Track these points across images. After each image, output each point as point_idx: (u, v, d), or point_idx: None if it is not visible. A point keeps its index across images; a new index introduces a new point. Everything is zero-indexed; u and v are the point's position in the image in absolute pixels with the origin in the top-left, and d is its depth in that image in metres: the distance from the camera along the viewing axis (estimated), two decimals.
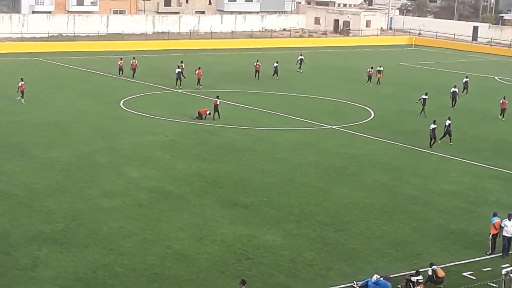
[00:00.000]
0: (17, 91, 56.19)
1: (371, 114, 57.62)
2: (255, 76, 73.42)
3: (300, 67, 79.79)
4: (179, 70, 66.44)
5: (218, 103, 53.32)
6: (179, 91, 64.83)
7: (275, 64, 74.64)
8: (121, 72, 71.62)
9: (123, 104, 57.41)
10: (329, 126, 52.47)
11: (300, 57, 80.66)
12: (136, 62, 71.93)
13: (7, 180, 36.62)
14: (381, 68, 74.38)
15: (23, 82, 56.61)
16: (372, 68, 74.43)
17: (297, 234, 31.10)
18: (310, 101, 63.41)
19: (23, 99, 55.95)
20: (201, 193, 35.89)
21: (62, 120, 50.86)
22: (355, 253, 29.28)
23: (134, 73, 71.22)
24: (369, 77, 73.79)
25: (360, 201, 35.79)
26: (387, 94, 68.42)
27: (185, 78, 67.53)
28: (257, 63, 74.72)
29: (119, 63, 71.99)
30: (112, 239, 29.59)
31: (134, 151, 43.23)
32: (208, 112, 52.68)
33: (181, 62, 70.41)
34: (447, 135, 48.00)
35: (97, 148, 43.62)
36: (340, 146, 46.66)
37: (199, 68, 67.83)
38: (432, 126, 46.79)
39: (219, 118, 52.80)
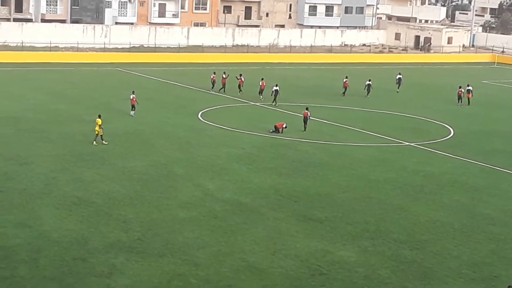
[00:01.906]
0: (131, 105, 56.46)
1: (450, 132, 56.78)
2: (343, 94, 72.12)
3: (398, 87, 76.93)
4: (277, 88, 64.51)
5: (308, 115, 53.78)
6: (257, 104, 65.06)
7: (368, 82, 72.94)
8: (213, 86, 71.18)
9: (201, 116, 57.90)
10: (407, 143, 51.89)
11: (398, 76, 77.81)
12: (225, 77, 70.77)
13: (86, 187, 37.27)
14: (471, 88, 71.44)
15: (134, 95, 56.44)
16: (461, 87, 71.08)
17: (372, 251, 30.77)
18: (389, 117, 62.86)
19: (132, 112, 56.09)
20: (276, 207, 35.86)
21: (141, 130, 51.53)
22: (431, 273, 28.80)
23: (223, 87, 70.28)
24: (459, 98, 70.37)
25: (437, 220, 35.22)
26: (467, 112, 67.33)
27: (241, 91, 68.67)
28: (346, 79, 72.97)
29: (211, 77, 71.75)
30: (187, 249, 29.77)
31: (211, 163, 43.50)
32: (284, 126, 52.73)
33: (240, 75, 70.57)
34: None
35: (174, 159, 44.04)
36: (418, 164, 46.07)
37: (262, 79, 68.38)
38: None
39: (305, 130, 53.41)
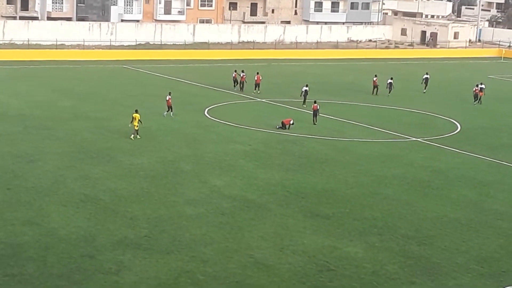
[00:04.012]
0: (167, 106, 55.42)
1: (457, 127, 56.65)
2: (373, 93, 70.75)
3: (425, 87, 74.72)
4: (306, 88, 63.07)
5: (318, 108, 54.75)
6: (263, 100, 65.06)
7: (389, 80, 71.32)
8: (235, 84, 70.45)
9: (207, 113, 57.88)
10: (414, 139, 51.80)
11: (425, 75, 75.58)
12: (245, 76, 69.79)
13: (93, 185, 37.29)
14: (483, 86, 70.19)
15: (170, 97, 55.49)
16: (477, 86, 69.60)
17: (379, 247, 30.72)
18: (396, 113, 62.75)
19: (172, 113, 55.13)
20: (283, 203, 35.82)
21: (148, 127, 51.45)
22: (439, 268, 28.73)
23: (242, 86, 69.45)
24: (476, 96, 68.89)
25: (445, 215, 35.14)
26: (474, 107, 67.16)
27: (241, 89, 68.69)
28: (375, 78, 71.68)
29: (233, 75, 71.12)
30: (194, 246, 29.76)
31: (218, 159, 43.48)
32: (291, 122, 52.69)
33: (242, 71, 70.28)
34: None
35: (181, 156, 44.04)
36: (425, 159, 45.97)
37: (258, 73, 69.05)
38: None
39: (315, 123, 54.29)
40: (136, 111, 47.73)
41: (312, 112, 55.28)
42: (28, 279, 26.01)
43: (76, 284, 25.84)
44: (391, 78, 71.94)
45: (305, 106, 61.66)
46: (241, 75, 69.87)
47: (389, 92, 70.89)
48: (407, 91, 75.07)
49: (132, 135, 47.46)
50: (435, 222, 34.05)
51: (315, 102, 55.74)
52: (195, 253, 28.97)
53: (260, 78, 68.87)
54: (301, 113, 58.28)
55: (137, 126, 47.36)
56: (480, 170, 44.18)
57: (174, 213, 33.58)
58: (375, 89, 71.21)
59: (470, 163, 45.82)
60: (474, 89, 69.94)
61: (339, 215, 34.38)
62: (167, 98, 55.54)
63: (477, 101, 68.72)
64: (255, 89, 68.23)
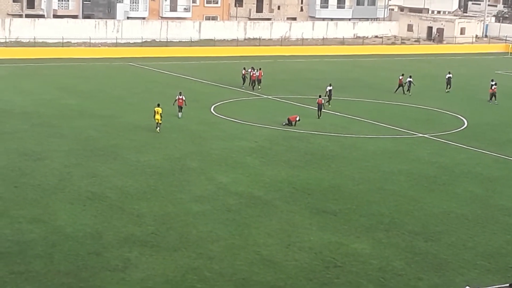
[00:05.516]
0: (173, 104, 53.86)
1: (464, 123, 56.53)
2: (398, 92, 69.86)
3: (449, 87, 73.10)
4: (330, 88, 61.65)
5: (323, 102, 55.50)
6: (269, 97, 65.03)
7: (408, 79, 70.08)
8: (244, 81, 70.06)
9: (213, 110, 57.87)
10: (420, 135, 51.71)
11: (448, 75, 74.01)
12: (256, 73, 68.88)
13: (100, 182, 37.32)
14: (493, 83, 68.27)
15: (181, 96, 54.01)
16: (495, 84, 67.95)
17: (386, 243, 30.69)
18: (402, 109, 62.65)
19: (180, 113, 53.84)
20: (289, 200, 35.81)
21: (154, 124, 51.39)
22: (446, 264, 28.69)
23: (253, 84, 68.73)
24: (491, 95, 67.36)
25: (451, 211, 35.09)
26: (481, 103, 67.00)
27: (252, 87, 68.20)
28: (401, 77, 70.72)
29: (242, 72, 70.67)
30: (201, 243, 29.77)
31: (224, 156, 43.48)
32: (297, 119, 52.66)
33: (253, 68, 69.83)
34: None
35: (187, 153, 44.05)
36: (432, 155, 45.89)
37: (260, 69, 68.93)
38: None
39: (319, 117, 55.20)
40: (158, 105, 48.51)
41: (316, 107, 55.89)
42: (35, 277, 26.06)
43: (83, 281, 25.89)
44: (410, 77, 70.88)
45: (329, 106, 60.22)
46: (251, 73, 69.45)
47: (409, 91, 69.64)
48: (414, 88, 74.74)
49: (158, 128, 48.41)
50: (442, 218, 34.02)
51: (320, 96, 56.28)
52: (202, 250, 28.99)
53: (262, 74, 68.66)
54: (307, 110, 58.23)
55: (159, 120, 48.20)
56: (487, 165, 44.09)
57: (181, 210, 33.61)
58: (399, 87, 70.24)
59: (476, 158, 45.73)
60: (493, 88, 67.66)
61: (346, 212, 34.37)
62: (177, 98, 54.09)
63: (491, 99, 67.35)
64: (258, 85, 68.23)
